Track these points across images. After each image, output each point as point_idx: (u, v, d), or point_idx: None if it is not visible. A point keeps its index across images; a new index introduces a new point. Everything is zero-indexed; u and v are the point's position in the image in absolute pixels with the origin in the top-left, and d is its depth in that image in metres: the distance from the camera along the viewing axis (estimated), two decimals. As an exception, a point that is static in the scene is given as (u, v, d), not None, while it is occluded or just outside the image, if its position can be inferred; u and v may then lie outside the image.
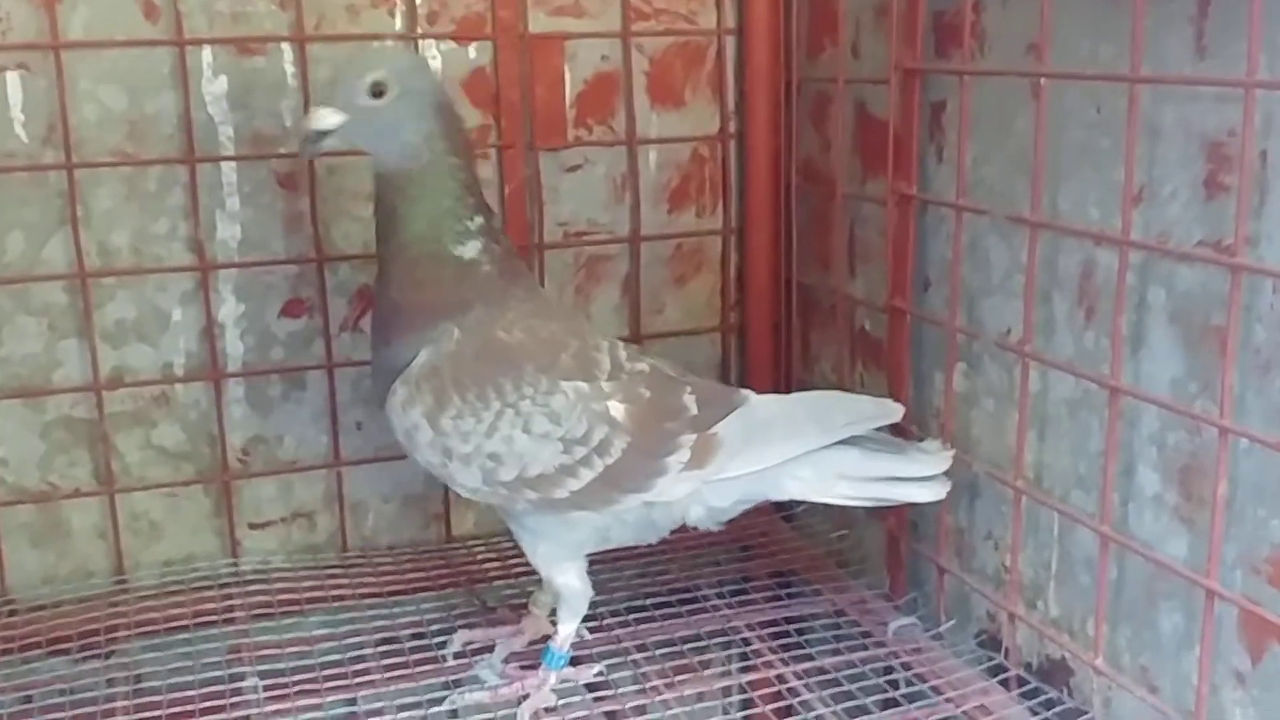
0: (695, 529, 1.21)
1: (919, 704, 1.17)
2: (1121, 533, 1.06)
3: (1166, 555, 1.02)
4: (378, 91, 1.09)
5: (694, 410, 1.14)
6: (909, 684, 1.22)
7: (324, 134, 1.10)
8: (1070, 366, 1.10)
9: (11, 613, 1.36)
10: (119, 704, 1.18)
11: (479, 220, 1.14)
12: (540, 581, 1.23)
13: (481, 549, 1.50)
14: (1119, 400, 1.03)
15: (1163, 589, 1.04)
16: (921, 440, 1.20)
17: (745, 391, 1.19)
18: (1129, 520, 1.06)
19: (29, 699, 1.22)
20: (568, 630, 1.19)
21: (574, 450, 1.11)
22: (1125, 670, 1.08)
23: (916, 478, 1.17)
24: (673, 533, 1.23)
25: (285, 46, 1.38)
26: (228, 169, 1.40)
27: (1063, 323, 1.12)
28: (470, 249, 1.13)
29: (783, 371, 1.59)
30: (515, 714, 1.15)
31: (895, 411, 1.17)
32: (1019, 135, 1.15)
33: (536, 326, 1.14)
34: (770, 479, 1.15)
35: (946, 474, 1.16)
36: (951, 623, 1.29)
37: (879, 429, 1.17)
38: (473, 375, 1.10)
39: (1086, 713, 1.11)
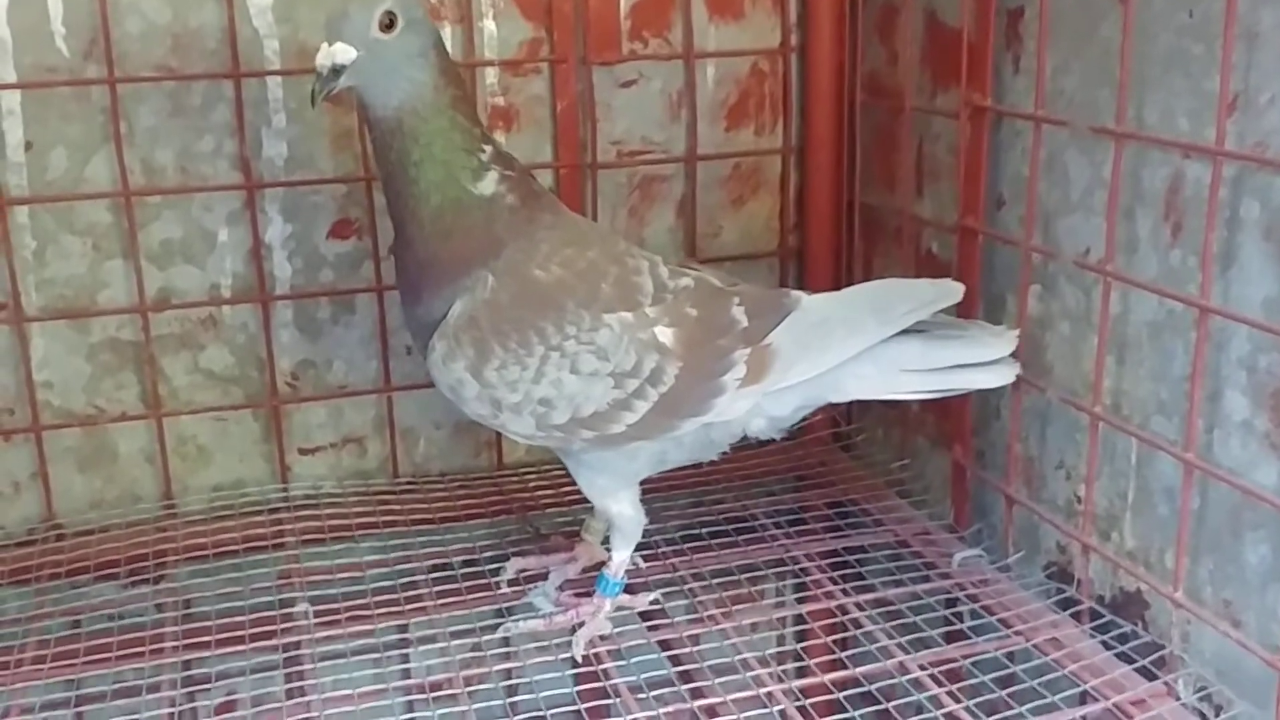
0: (756, 440, 1.18)
1: (986, 636, 1.14)
2: (1207, 460, 1.01)
3: (1255, 484, 0.97)
4: (388, 23, 1.02)
5: (745, 322, 1.10)
6: (975, 616, 1.18)
7: (339, 71, 1.01)
8: (1155, 286, 1.05)
9: (59, 537, 1.36)
10: (168, 629, 1.18)
11: (489, 149, 1.08)
12: (593, 509, 1.21)
13: (534, 476, 1.48)
14: (1207, 321, 0.98)
15: (1249, 519, 0.99)
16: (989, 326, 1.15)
17: (796, 293, 1.14)
18: (1214, 448, 1.01)
19: (77, 624, 1.21)
20: (622, 557, 1.16)
21: (626, 384, 1.07)
22: (1206, 604, 1.03)
23: (983, 363, 1.12)
24: (726, 460, 1.21)
25: (331, -44, 1.34)
26: (273, 84, 1.36)
27: (1146, 241, 1.07)
28: (488, 183, 1.07)
29: (844, 296, 1.54)
30: (570, 642, 1.13)
31: (956, 291, 1.11)
32: (1102, 42, 1.09)
33: (573, 257, 1.09)
34: (831, 381, 1.11)
35: (1013, 356, 1.11)
36: (1019, 554, 1.25)
37: (940, 312, 1.12)
38: (512, 321, 1.06)
39: (1164, 647, 1.07)
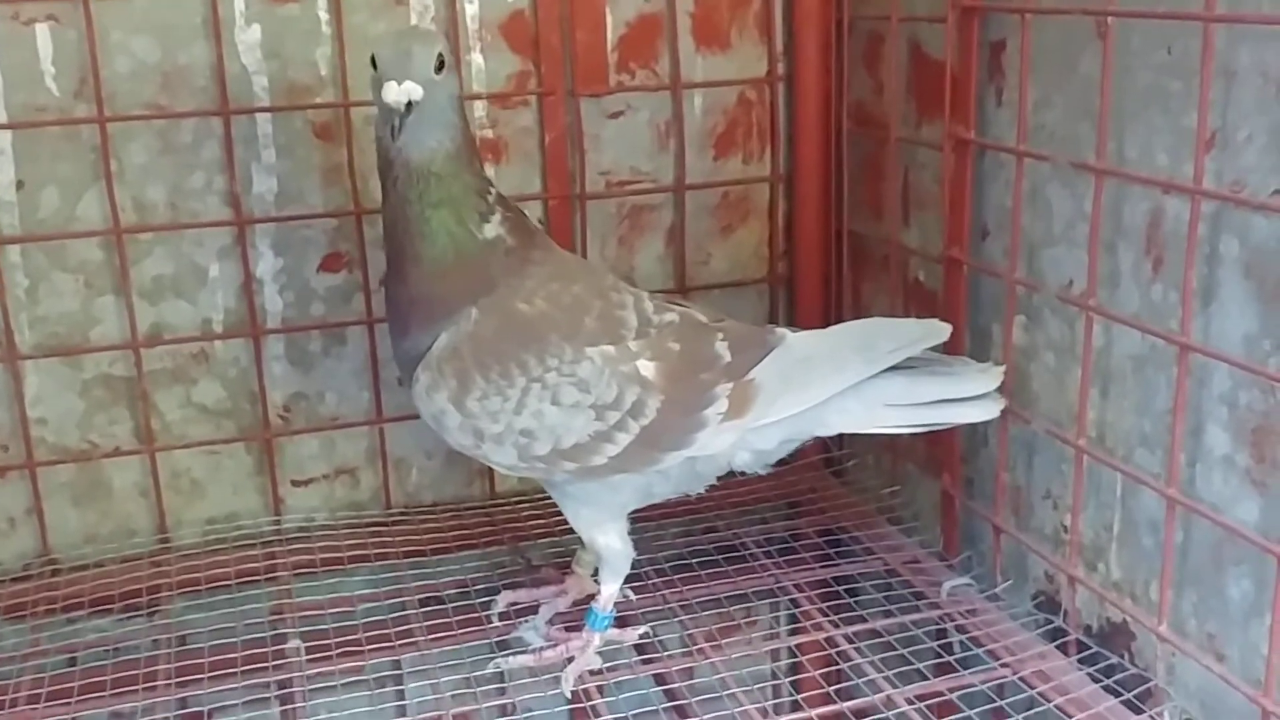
0: (742, 474, 1.19)
1: (974, 669, 1.14)
2: (1189, 495, 1.01)
3: (1236, 520, 0.97)
4: (439, 64, 1.03)
5: (728, 358, 1.11)
6: (964, 647, 1.19)
7: (411, 108, 1.01)
8: (1136, 321, 1.05)
9: (54, 572, 1.36)
10: (162, 665, 1.18)
11: (494, 191, 1.10)
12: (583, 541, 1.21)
13: (525, 506, 1.47)
14: (1188, 357, 0.99)
15: (1231, 554, 0.99)
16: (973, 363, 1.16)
17: (781, 330, 1.15)
18: (1196, 482, 1.02)
19: (73, 660, 1.22)
20: (610, 591, 1.17)
21: (607, 416, 1.08)
22: (1190, 637, 1.04)
23: (968, 397, 1.13)
24: (717, 488, 1.21)
25: (319, -8, 1.35)
26: (263, 120, 1.37)
27: (1128, 275, 1.07)
28: (493, 225, 1.09)
29: (832, 323, 1.52)
30: (561, 677, 1.13)
31: (942, 331, 1.12)
32: (1083, 77, 1.09)
33: (558, 292, 1.10)
34: (815, 416, 1.12)
35: (999, 390, 1.13)
36: (1008, 583, 1.25)
37: (927, 350, 1.13)
38: (494, 353, 1.07)
39: (1149, 679, 1.07)
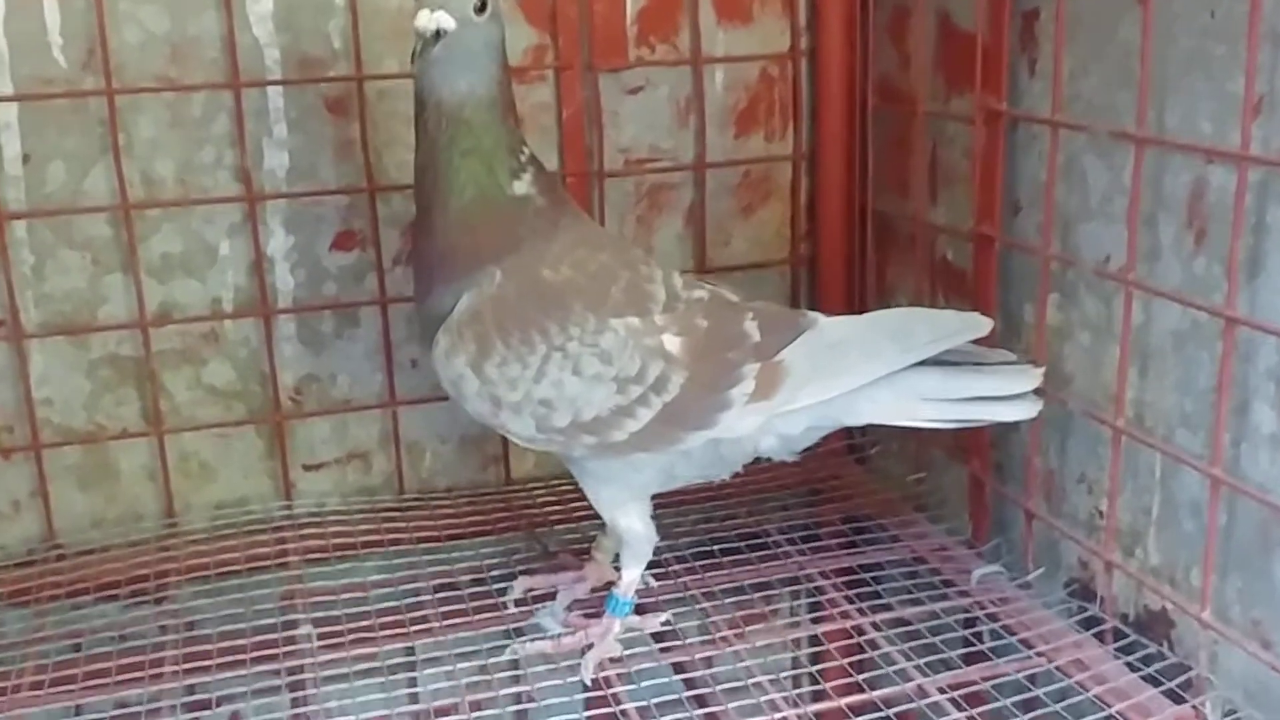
0: (768, 460, 1.16)
1: (1007, 657, 1.11)
2: (1234, 475, 0.98)
3: (1285, 501, 0.94)
4: (480, 5, 1.03)
5: (756, 337, 1.08)
6: (995, 636, 1.16)
7: (439, 36, 1.01)
8: (1179, 295, 1.02)
9: (60, 557, 1.34)
10: (168, 652, 1.17)
11: (527, 150, 1.09)
12: (603, 526, 1.19)
13: (542, 491, 1.45)
14: (1234, 331, 0.95)
15: (1279, 536, 0.96)
16: (1011, 358, 1.11)
17: (814, 314, 1.12)
18: (1241, 462, 0.99)
19: (78, 646, 1.20)
20: (632, 576, 1.14)
21: (629, 390, 1.05)
22: (1234, 624, 1.01)
23: (1005, 396, 1.09)
24: (740, 474, 1.17)
25: (332, -37, 1.33)
26: (274, 94, 1.35)
27: (1169, 248, 1.04)
28: (524, 183, 1.08)
29: (857, 306, 1.52)
30: (579, 664, 1.11)
31: (983, 325, 1.07)
32: (1122, 44, 1.06)
33: (585, 259, 1.08)
34: (845, 404, 1.09)
35: (1037, 391, 1.08)
36: (1040, 571, 1.22)
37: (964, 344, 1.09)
38: (516, 318, 1.05)
39: (1191, 669, 1.04)
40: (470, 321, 1.04)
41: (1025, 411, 1.09)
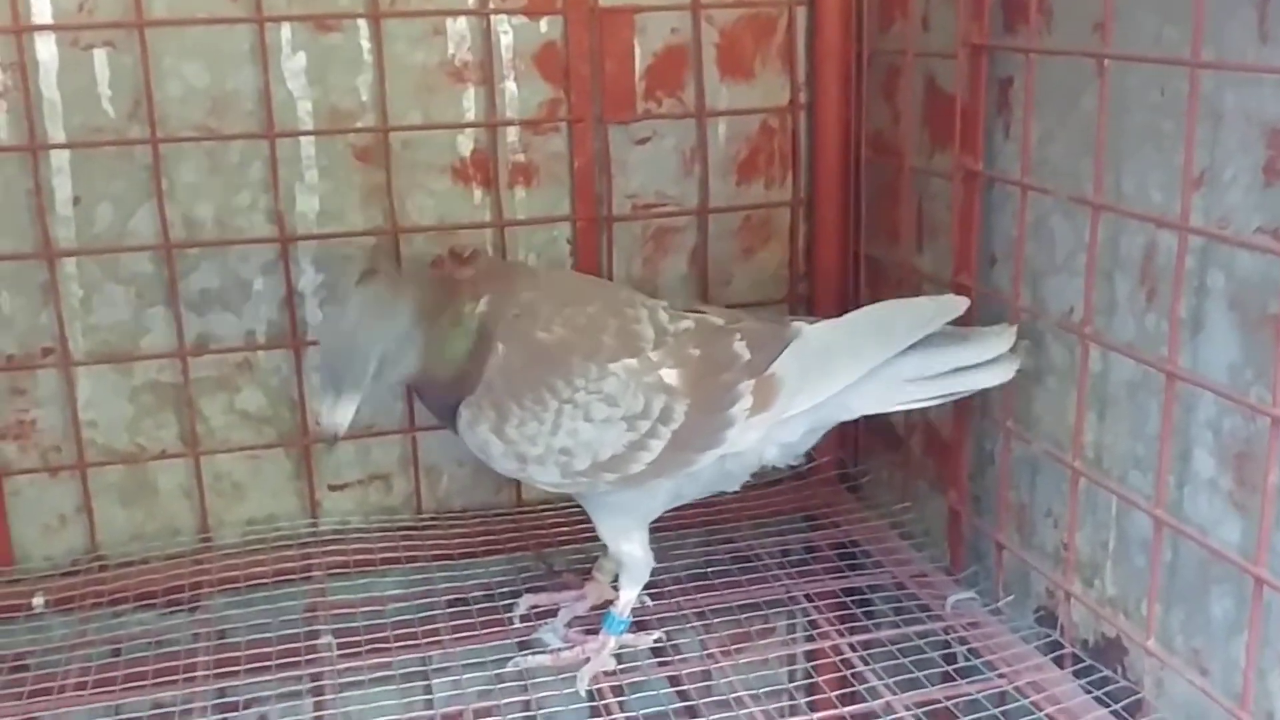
0: (774, 467, 1.23)
1: (972, 679, 1.18)
2: (1176, 516, 1.05)
3: (1219, 541, 1.02)
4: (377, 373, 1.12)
5: (747, 356, 1.16)
6: (965, 658, 1.22)
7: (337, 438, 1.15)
8: (1129, 349, 1.10)
9: (102, 568, 1.42)
10: (201, 657, 1.24)
11: (461, 309, 1.15)
12: (605, 548, 1.26)
13: (551, 513, 1.52)
14: (1175, 385, 1.03)
15: (1215, 573, 1.04)
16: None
17: (797, 323, 1.19)
18: (1184, 504, 1.06)
19: (117, 651, 1.28)
20: (629, 597, 1.22)
21: (638, 425, 1.13)
22: (1177, 652, 1.08)
23: (983, 363, 1.16)
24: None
25: (361, 22, 1.41)
26: (306, 143, 1.43)
27: (1124, 304, 1.12)
28: (471, 323, 1.15)
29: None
30: (576, 677, 1.19)
31: (959, 305, 1.15)
32: (1084, 115, 1.14)
33: (572, 315, 1.15)
34: (838, 402, 1.17)
35: (1012, 352, 1.16)
36: (1010, 598, 1.29)
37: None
38: (525, 381, 1.13)
39: (1138, 693, 1.11)
40: (485, 392, 1.13)
41: (1004, 374, 1.17)
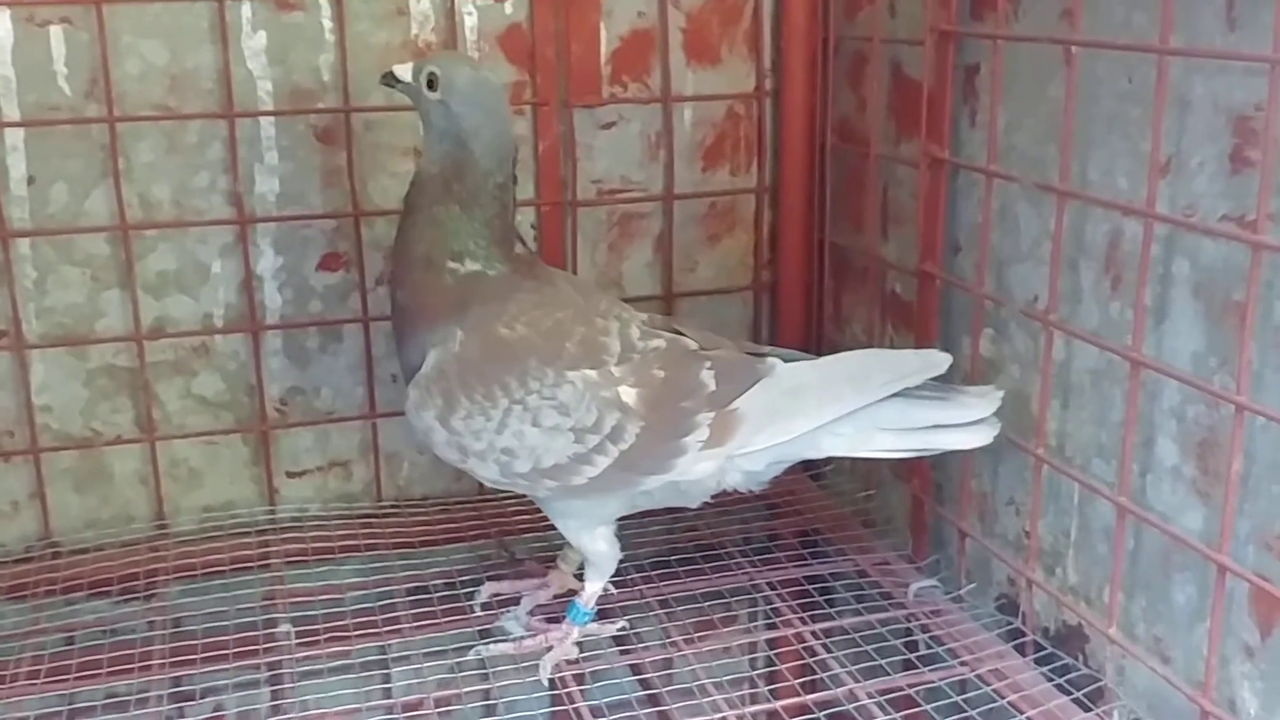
0: (734, 491, 1.21)
1: (934, 666, 1.19)
2: (1139, 504, 1.06)
3: (1182, 528, 1.02)
4: (430, 82, 1.13)
5: (712, 386, 1.13)
6: (927, 646, 1.23)
7: (395, 80, 1.17)
8: (1093, 337, 1.10)
9: (55, 555, 1.40)
10: (156, 646, 1.22)
11: (485, 248, 1.15)
12: (569, 538, 1.25)
13: (512, 502, 1.51)
14: (1139, 373, 1.03)
15: (1178, 561, 1.04)
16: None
17: (772, 360, 1.15)
18: (1147, 492, 1.07)
19: (71, 640, 1.26)
20: (594, 589, 1.21)
21: (586, 439, 1.11)
22: (1139, 640, 1.09)
23: (963, 423, 1.12)
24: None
25: (323, 2, 1.40)
26: (266, 124, 1.41)
27: (1089, 292, 1.12)
28: (468, 266, 1.14)
29: (814, 331, 1.59)
30: (538, 665, 1.17)
31: (941, 362, 1.11)
32: (1051, 102, 1.14)
33: (540, 318, 1.14)
34: (806, 440, 1.13)
35: (997, 415, 1.11)
36: (972, 586, 1.30)
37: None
38: (478, 375, 1.11)
39: (1100, 680, 1.12)
40: (436, 379, 1.11)
41: (984, 438, 1.12)
